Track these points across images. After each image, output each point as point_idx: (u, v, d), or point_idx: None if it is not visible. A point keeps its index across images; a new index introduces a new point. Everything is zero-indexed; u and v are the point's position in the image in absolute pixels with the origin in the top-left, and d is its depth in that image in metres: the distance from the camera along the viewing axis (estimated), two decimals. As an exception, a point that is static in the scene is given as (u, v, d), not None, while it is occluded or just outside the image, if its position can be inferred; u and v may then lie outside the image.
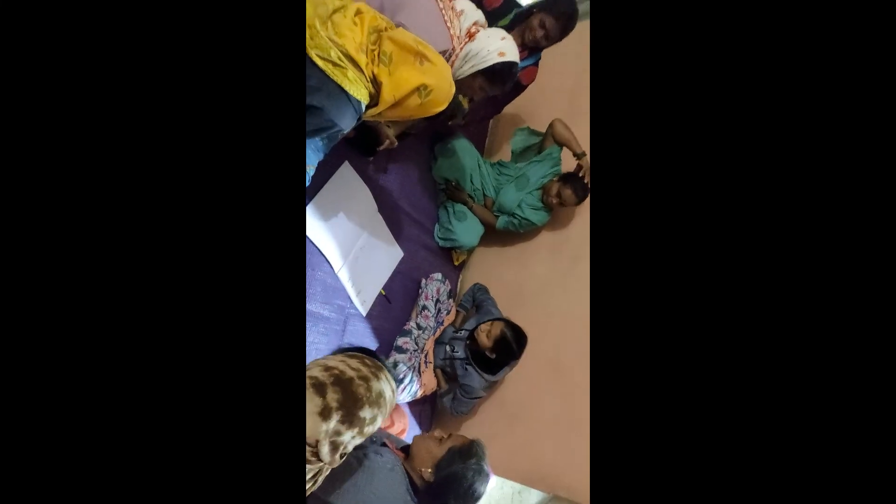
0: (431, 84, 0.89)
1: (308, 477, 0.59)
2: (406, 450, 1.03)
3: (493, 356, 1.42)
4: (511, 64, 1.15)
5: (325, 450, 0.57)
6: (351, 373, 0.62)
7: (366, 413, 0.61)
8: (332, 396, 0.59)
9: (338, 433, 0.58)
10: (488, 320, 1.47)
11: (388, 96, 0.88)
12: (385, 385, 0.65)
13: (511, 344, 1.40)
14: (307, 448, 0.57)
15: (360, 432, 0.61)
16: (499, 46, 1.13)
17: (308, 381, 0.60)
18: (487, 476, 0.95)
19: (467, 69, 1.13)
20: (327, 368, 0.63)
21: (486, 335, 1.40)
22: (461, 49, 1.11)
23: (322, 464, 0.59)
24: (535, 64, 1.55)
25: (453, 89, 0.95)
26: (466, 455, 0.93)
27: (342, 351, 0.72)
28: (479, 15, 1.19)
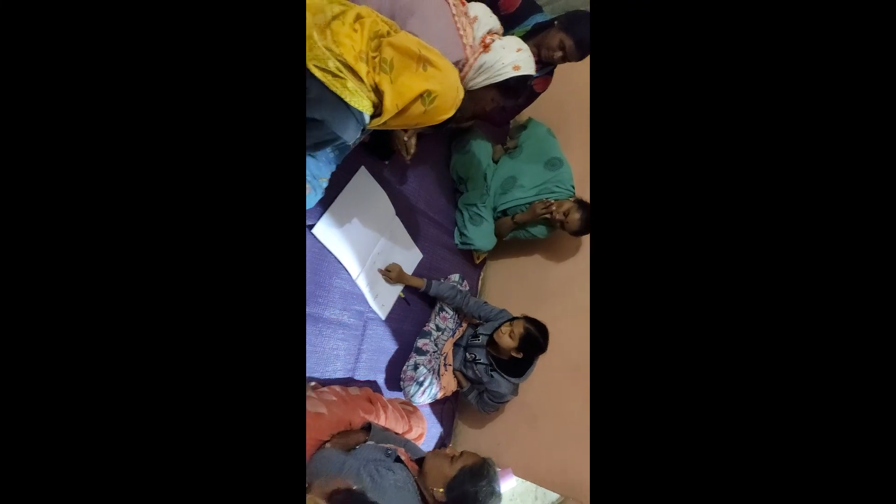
0: (436, 90, 0.84)
1: None
2: (421, 462, 1.03)
3: (521, 355, 1.37)
4: (526, 77, 1.10)
5: None
6: None
7: None
8: None
9: None
10: (506, 321, 1.43)
11: (390, 105, 0.84)
12: None
13: (537, 338, 1.35)
14: None
15: None
16: (514, 59, 1.07)
17: None
18: (500, 497, 0.93)
19: (481, 81, 1.07)
20: None
21: (510, 335, 1.36)
22: (475, 59, 1.05)
23: None
24: (550, 73, 1.48)
25: (461, 94, 0.90)
26: (478, 476, 0.91)
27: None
28: (494, 22, 1.12)
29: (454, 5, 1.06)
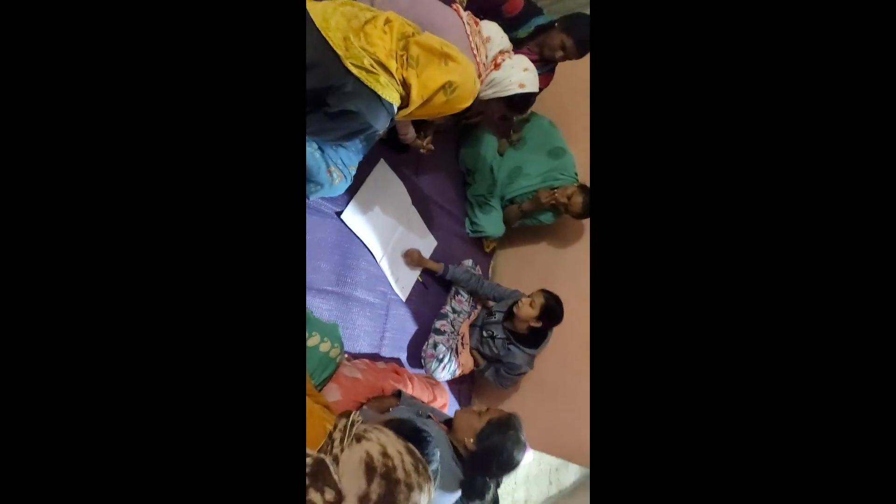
0: (456, 81, 0.96)
1: None
2: (448, 423, 1.12)
3: (540, 324, 1.49)
4: (529, 95, 1.25)
5: None
6: (401, 474, 0.63)
7: None
8: (375, 489, 0.61)
9: None
10: (526, 295, 1.54)
11: (416, 97, 0.96)
12: (424, 497, 0.65)
13: (555, 308, 1.48)
14: None
15: None
16: (520, 78, 1.22)
17: (363, 455, 0.62)
18: (524, 446, 1.03)
19: (489, 93, 1.23)
20: (385, 455, 0.63)
21: (531, 305, 1.48)
22: (486, 75, 1.19)
23: None
24: (551, 71, 1.60)
25: (478, 85, 1.02)
26: (505, 427, 1.01)
27: (409, 433, 0.73)
28: (505, 42, 1.26)
29: (468, 24, 1.19)
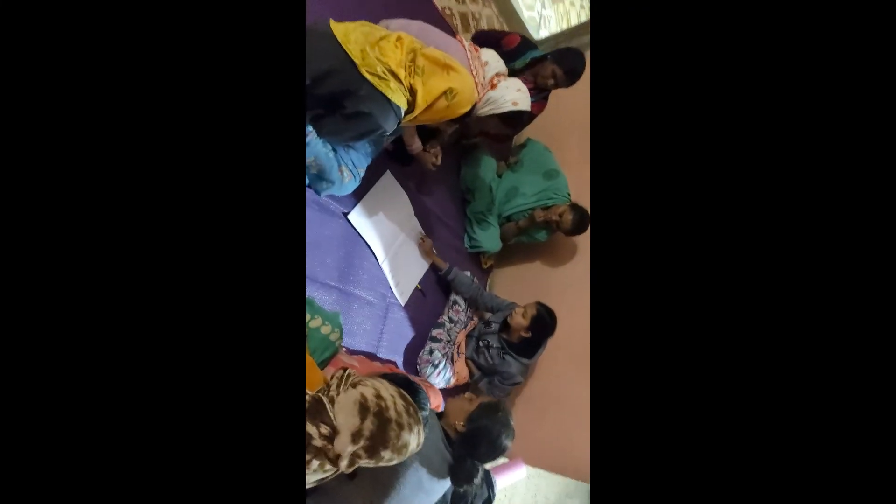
0: (456, 87, 1.10)
1: (327, 476, 0.65)
2: (439, 416, 1.14)
3: (530, 335, 1.52)
4: (521, 112, 1.41)
5: (343, 464, 0.63)
6: (393, 413, 0.66)
7: (386, 454, 0.65)
8: (368, 426, 0.64)
9: (357, 456, 0.64)
10: (520, 306, 1.59)
11: (421, 102, 1.09)
12: (414, 438, 0.69)
13: (545, 319, 1.52)
14: (328, 457, 0.63)
15: (376, 463, 0.66)
16: (513, 97, 1.37)
17: (358, 396, 0.66)
18: (512, 430, 1.04)
19: (486, 110, 1.38)
20: (378, 396, 0.67)
21: (523, 316, 1.52)
22: (484, 94, 1.36)
23: (338, 470, 0.65)
24: (545, 98, 1.77)
25: (475, 94, 1.15)
26: (494, 410, 1.04)
27: (402, 383, 0.77)
28: (501, 66, 1.44)
29: (469, 51, 1.37)
